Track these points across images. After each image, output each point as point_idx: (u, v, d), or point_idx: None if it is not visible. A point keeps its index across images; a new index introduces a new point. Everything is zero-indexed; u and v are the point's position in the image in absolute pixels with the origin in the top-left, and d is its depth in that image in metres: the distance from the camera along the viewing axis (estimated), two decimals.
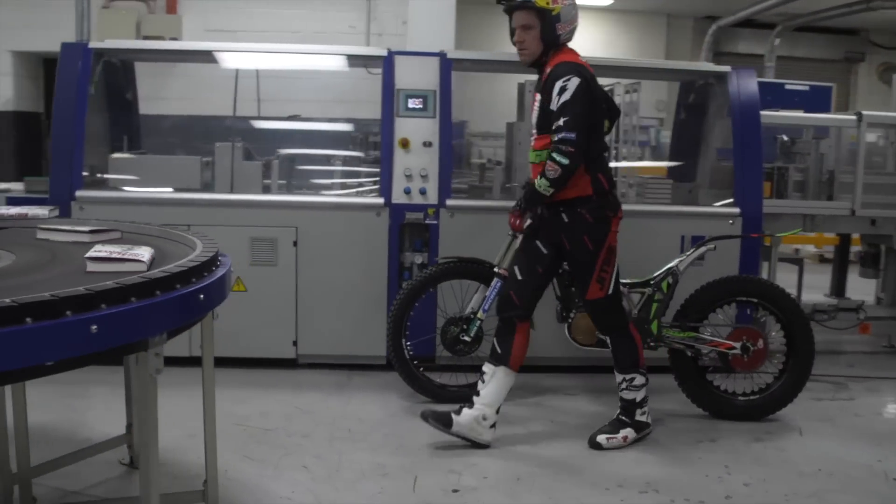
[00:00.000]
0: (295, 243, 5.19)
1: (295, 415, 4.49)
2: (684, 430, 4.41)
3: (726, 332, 4.59)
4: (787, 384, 4.58)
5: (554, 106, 3.82)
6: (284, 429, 4.27)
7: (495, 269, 4.56)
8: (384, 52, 5.32)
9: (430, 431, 4.15)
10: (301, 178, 5.76)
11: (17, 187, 5.68)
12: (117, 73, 5.79)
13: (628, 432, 4.19)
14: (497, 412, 4.10)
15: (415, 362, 4.74)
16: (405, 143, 5.17)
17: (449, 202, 5.15)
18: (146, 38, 9.31)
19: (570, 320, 4.62)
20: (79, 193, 5.13)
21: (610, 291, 4.11)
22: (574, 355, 4.85)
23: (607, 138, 4.39)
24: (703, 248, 4.64)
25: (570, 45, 4.05)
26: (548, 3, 3.86)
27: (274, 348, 5.26)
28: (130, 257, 2.61)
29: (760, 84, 5.69)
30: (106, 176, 5.48)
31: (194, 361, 5.18)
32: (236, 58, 5.74)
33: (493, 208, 5.10)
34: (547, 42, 3.92)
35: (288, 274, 5.20)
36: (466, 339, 4.58)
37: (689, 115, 6.14)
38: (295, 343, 5.27)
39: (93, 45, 5.33)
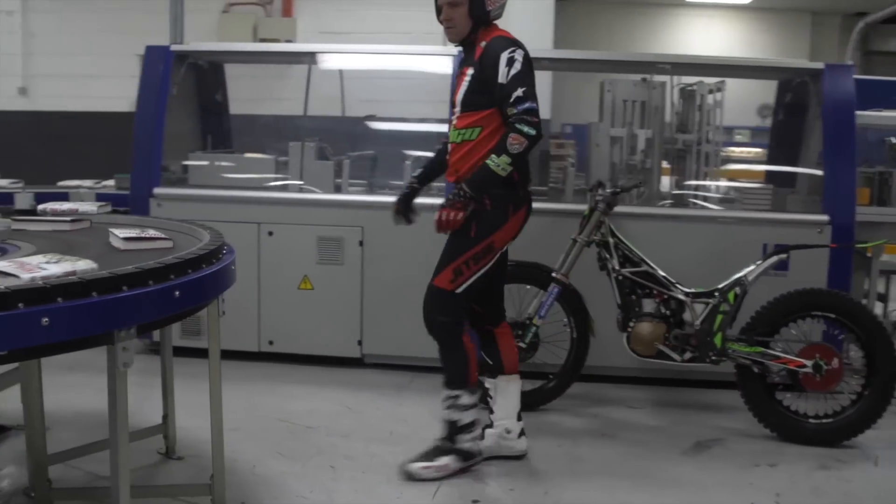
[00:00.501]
0: (361, 243, 5.20)
1: (342, 414, 4.48)
2: (744, 451, 4.12)
3: (798, 349, 4.26)
4: (865, 408, 4.19)
5: (503, 78, 3.50)
6: (326, 427, 4.27)
7: (553, 275, 4.42)
8: (454, 52, 5.24)
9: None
10: (376, 177, 5.75)
11: (109, 184, 5.95)
12: (205, 74, 5.97)
13: (449, 461, 3.71)
14: (519, 419, 3.94)
15: None
16: None
17: None
18: (262, 40, 9.59)
19: (629, 330, 4.41)
20: (157, 191, 5.32)
21: (458, 290, 3.66)
22: (644, 366, 4.61)
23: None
24: (773, 259, 4.32)
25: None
26: None
27: (340, 347, 5.28)
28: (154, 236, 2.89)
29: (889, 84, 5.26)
30: (186, 174, 5.67)
31: (263, 357, 5.37)
32: (323, 59, 5.78)
33: (562, 211, 4.93)
34: (476, 19, 3.64)
35: (354, 273, 5.21)
36: (521, 345, 4.43)
37: (787, 116, 5.76)
38: (360, 342, 5.27)
39: (175, 48, 5.51)
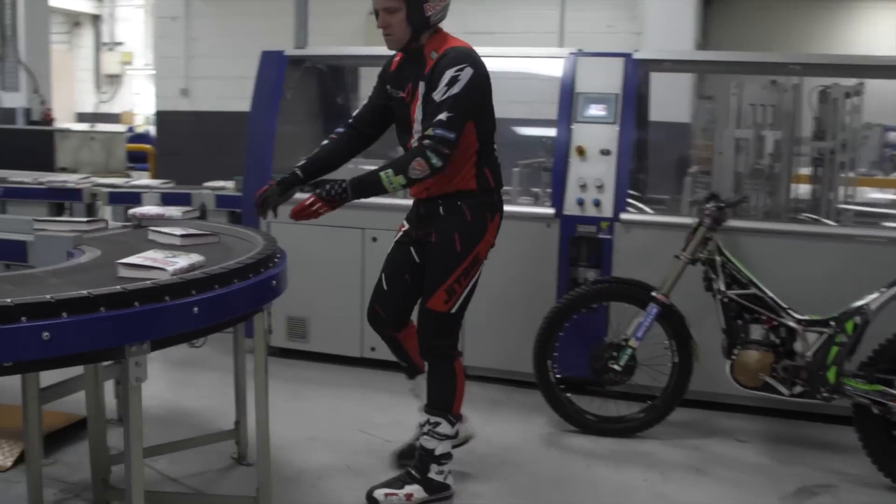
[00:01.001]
0: None
1: None
2: (855, 501, 3.68)
3: None
4: None
5: (439, 96, 3.26)
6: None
7: (653, 294, 4.13)
8: (564, 54, 5.02)
9: (551, 462, 3.94)
10: None
11: (229, 185, 6.11)
12: (326, 78, 6.01)
13: (414, 490, 3.50)
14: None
15: (561, 386, 4.42)
16: (581, 151, 4.83)
17: (624, 216, 4.73)
18: None
19: (733, 357, 4.06)
20: None
21: (454, 310, 3.50)
22: (763, 395, 4.23)
23: None
24: None
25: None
26: None
27: None
28: (160, 265, 2.66)
29: None
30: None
31: (364, 363, 5.34)
32: None
33: (674, 224, 4.61)
34: (415, 26, 3.33)
35: None
36: (616, 367, 4.19)
37: None
38: (461, 353, 5.13)
39: (288, 52, 5.58)
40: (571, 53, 4.99)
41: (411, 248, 3.65)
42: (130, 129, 17.12)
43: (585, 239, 4.83)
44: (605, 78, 4.89)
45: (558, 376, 4.41)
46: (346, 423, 4.39)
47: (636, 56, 4.88)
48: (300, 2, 6.34)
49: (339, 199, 3.34)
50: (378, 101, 3.65)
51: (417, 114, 3.46)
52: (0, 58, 9.09)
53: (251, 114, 5.52)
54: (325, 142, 3.72)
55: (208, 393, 4.79)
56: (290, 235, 4.94)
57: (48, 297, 2.26)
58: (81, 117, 18.82)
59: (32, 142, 7.68)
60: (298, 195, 3.62)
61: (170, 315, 2.46)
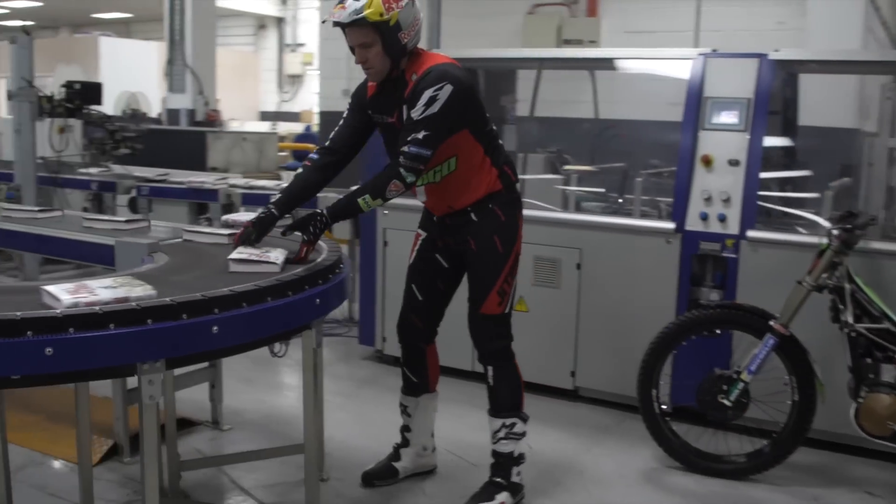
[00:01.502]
0: (578, 266, 4.77)
1: None
2: None
3: None
4: None
5: (417, 113, 3.21)
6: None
7: (770, 323, 3.71)
8: (693, 54, 4.62)
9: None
10: (598, 194, 5.27)
11: None
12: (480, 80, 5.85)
13: (505, 497, 3.51)
14: (432, 435, 3.89)
15: (667, 417, 4.06)
16: (707, 161, 4.43)
17: (751, 233, 4.29)
18: (566, 42, 9.35)
19: (860, 401, 3.58)
20: None
21: (507, 310, 3.51)
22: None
23: None
24: None
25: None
26: (381, 15, 3.16)
27: (551, 376, 4.90)
28: (265, 259, 2.93)
29: None
30: None
31: (474, 376, 5.14)
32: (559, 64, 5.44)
33: (809, 245, 4.11)
34: (392, 55, 3.25)
35: (570, 299, 4.81)
36: (726, 402, 3.81)
37: None
38: (573, 373, 4.86)
39: None
40: (701, 54, 4.59)
41: (437, 255, 3.66)
42: (308, 128, 17.76)
43: (708, 257, 4.43)
44: (737, 81, 4.46)
45: (664, 406, 4.06)
46: (438, 442, 4.20)
47: (773, 56, 4.42)
48: (433, 3, 6.25)
49: (320, 226, 3.27)
50: (354, 123, 3.55)
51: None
52: (169, 61, 9.53)
53: None
54: (300, 170, 3.60)
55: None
56: (404, 239, 4.86)
57: (57, 312, 2.23)
58: (264, 116, 19.68)
59: (187, 142, 7.99)
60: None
61: (186, 334, 2.38)
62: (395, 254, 5.31)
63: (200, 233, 3.61)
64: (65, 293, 2.36)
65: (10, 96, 6.64)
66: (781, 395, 3.84)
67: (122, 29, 22.53)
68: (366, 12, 3.13)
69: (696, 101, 4.51)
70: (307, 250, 3.20)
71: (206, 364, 4.30)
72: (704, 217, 4.40)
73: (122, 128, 7.07)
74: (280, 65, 20.67)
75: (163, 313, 2.34)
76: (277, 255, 3.01)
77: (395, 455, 3.84)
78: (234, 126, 14.02)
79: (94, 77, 17.18)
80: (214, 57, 9.79)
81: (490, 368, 3.55)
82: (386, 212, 5.31)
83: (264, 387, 5.07)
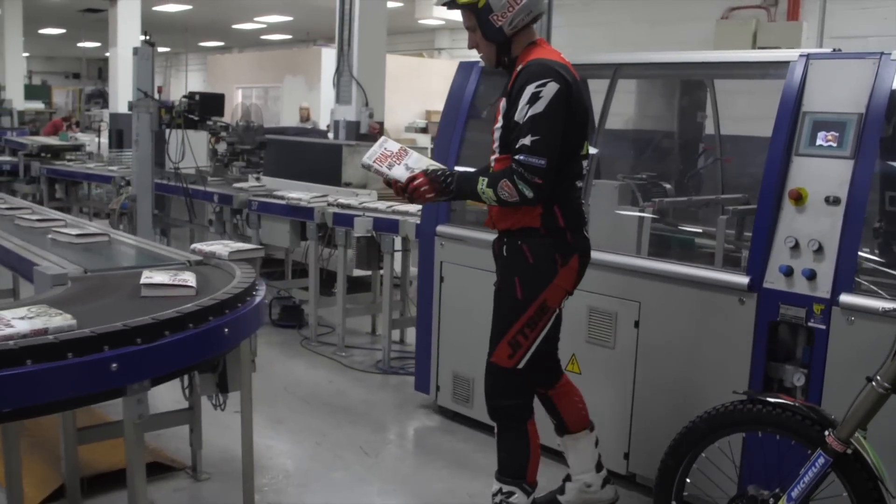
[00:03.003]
0: (637, 323, 3.81)
1: None
2: None
3: None
4: None
5: (520, 116, 2.95)
6: None
7: (825, 435, 2.63)
8: (793, 56, 3.49)
9: None
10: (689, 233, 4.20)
11: None
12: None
13: None
14: (600, 468, 3.56)
15: None
16: (799, 197, 3.32)
17: (846, 298, 3.15)
18: (761, 48, 8.08)
19: None
20: (440, 228, 4.61)
21: (520, 366, 3.15)
22: None
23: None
24: None
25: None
26: None
27: (604, 455, 3.92)
28: (180, 283, 2.81)
29: None
30: None
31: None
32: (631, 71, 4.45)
33: None
34: (493, 39, 3.09)
35: (626, 363, 3.85)
36: None
37: None
38: (626, 455, 3.89)
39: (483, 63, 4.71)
40: (802, 55, 3.47)
41: None
42: None
43: (790, 326, 3.33)
44: (846, 90, 3.32)
45: None
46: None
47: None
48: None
49: (444, 185, 3.09)
50: None
51: (496, 133, 3.17)
52: (337, 71, 9.33)
53: (439, 131, 4.80)
54: None
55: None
56: (461, 276, 4.46)
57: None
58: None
59: (325, 156, 7.68)
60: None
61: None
62: (452, 292, 4.60)
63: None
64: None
65: (130, 107, 6.63)
66: None
67: None
68: None
69: (789, 116, 3.42)
70: (420, 180, 3.09)
71: (185, 405, 3.87)
72: (787, 272, 3.30)
73: (239, 140, 6.85)
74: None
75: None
76: (190, 278, 2.89)
77: (562, 488, 3.62)
78: (405, 137, 13.70)
79: (316, 87, 17.69)
80: (384, 66, 9.46)
81: (495, 425, 3.26)
82: (443, 243, 4.61)
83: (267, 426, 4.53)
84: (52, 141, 11.46)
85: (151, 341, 2.35)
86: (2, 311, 2.33)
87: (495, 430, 3.26)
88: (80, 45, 23.26)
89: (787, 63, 3.49)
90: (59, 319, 2.29)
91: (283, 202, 6.32)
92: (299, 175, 7.75)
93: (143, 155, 6.65)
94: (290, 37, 24.73)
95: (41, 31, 24.67)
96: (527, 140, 2.92)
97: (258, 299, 3.05)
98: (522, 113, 2.95)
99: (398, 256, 5.91)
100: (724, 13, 8.74)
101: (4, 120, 13.62)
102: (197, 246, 3.62)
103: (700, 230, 4.27)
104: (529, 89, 2.94)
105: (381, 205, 5.98)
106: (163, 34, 23.73)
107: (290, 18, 20.90)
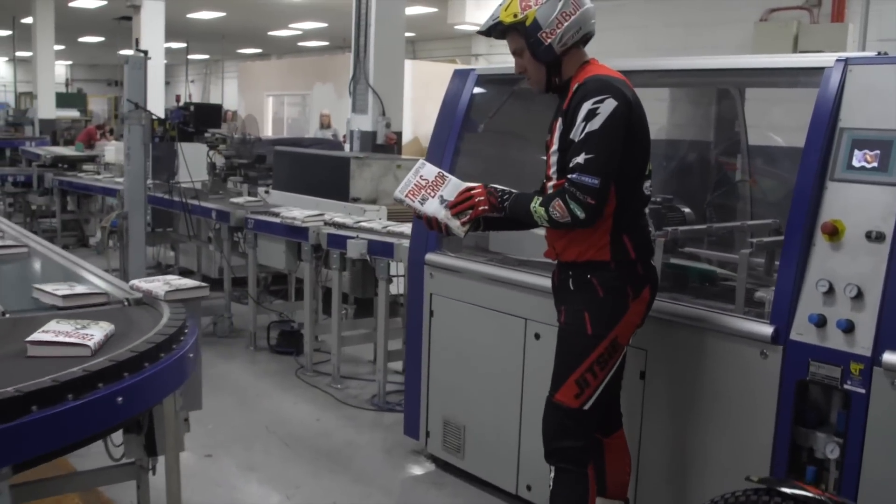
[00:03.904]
0: (642, 375, 3.27)
1: None
2: None
3: None
4: None
5: (576, 134, 2.78)
6: None
7: None
8: (830, 62, 2.93)
9: None
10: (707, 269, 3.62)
11: None
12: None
13: None
14: None
15: None
16: (833, 231, 2.77)
17: (891, 358, 2.59)
18: (803, 52, 7.48)
19: None
20: (429, 257, 4.12)
21: (587, 406, 2.90)
22: None
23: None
24: None
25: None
26: (515, 16, 2.88)
27: None
28: (76, 340, 2.36)
29: None
30: None
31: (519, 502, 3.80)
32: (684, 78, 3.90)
33: None
34: (543, 59, 2.91)
35: (631, 420, 3.30)
36: None
37: None
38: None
39: (480, 70, 4.24)
40: (839, 60, 2.91)
41: None
42: None
43: (822, 387, 2.77)
44: (893, 102, 2.75)
45: None
46: None
47: None
48: None
49: (500, 200, 2.95)
50: None
51: (552, 158, 2.96)
52: (353, 79, 8.90)
53: (432, 136, 4.33)
54: None
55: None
56: (452, 311, 4.05)
57: None
58: None
59: (333, 170, 7.22)
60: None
61: None
62: (442, 328, 4.11)
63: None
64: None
65: (122, 119, 6.24)
66: None
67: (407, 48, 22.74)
68: (501, 16, 2.91)
69: (823, 133, 2.86)
70: (477, 190, 2.95)
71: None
72: (819, 322, 2.75)
73: (236, 153, 6.42)
74: None
75: None
76: (95, 334, 2.42)
77: None
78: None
79: (344, 95, 17.31)
80: (402, 74, 9.01)
81: (552, 469, 3.00)
82: (432, 273, 4.12)
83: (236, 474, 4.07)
84: (67, 151, 11.19)
85: (14, 419, 1.90)
86: None
87: (551, 476, 2.98)
88: (119, 52, 23.24)
89: (821, 70, 2.93)
90: None
91: (278, 221, 5.86)
92: (308, 189, 7.32)
93: (136, 169, 6.26)
94: (326, 43, 24.44)
95: (80, 39, 24.73)
96: (580, 158, 2.76)
97: (184, 349, 2.59)
98: (579, 130, 2.78)
99: (400, 280, 5.42)
100: (763, 15, 8.11)
101: (27, 130, 13.43)
102: (135, 283, 3.17)
103: (724, 255, 3.69)
104: (586, 106, 2.77)
105: (379, 224, 5.49)
106: (200, 41, 23.61)
107: (325, 25, 20.58)
